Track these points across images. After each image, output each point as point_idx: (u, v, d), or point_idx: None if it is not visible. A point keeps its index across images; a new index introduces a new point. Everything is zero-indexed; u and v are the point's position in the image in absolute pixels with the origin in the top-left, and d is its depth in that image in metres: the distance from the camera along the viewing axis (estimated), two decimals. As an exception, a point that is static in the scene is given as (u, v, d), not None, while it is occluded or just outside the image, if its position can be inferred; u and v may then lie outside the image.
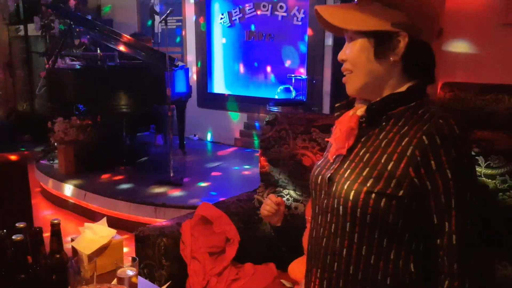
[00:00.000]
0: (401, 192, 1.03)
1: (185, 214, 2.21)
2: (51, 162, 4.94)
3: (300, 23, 5.43)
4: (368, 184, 1.06)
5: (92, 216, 4.07)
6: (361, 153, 1.11)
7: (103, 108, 4.73)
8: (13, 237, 1.24)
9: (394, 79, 1.11)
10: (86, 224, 1.58)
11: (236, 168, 4.88)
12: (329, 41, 5.04)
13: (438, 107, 1.07)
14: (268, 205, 1.63)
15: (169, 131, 4.45)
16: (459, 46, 4.29)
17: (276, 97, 5.74)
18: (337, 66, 5.03)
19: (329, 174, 1.16)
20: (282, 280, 1.87)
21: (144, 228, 2.04)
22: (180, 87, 5.09)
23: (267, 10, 5.68)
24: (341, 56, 1.16)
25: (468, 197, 1.03)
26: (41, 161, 5.08)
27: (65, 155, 4.59)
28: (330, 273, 1.15)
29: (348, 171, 1.11)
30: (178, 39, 6.42)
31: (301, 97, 5.52)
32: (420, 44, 1.09)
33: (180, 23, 6.34)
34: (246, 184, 4.32)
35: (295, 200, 2.16)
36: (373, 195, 1.05)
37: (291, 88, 5.60)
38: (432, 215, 1.04)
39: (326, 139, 1.22)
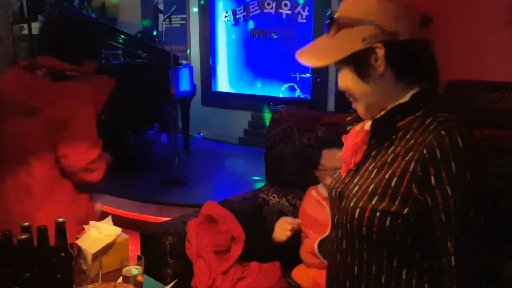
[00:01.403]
0: (406, 210, 0.97)
1: (190, 213, 2.20)
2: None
3: (304, 20, 5.42)
4: (373, 202, 1.01)
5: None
6: (370, 168, 1.06)
7: (107, 106, 4.72)
8: (18, 235, 1.23)
9: (393, 91, 1.04)
10: (91, 222, 1.58)
11: (241, 166, 4.87)
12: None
13: (447, 115, 0.98)
14: (287, 230, 1.75)
15: (174, 130, 4.45)
16: (464, 44, 4.27)
17: (281, 95, 5.73)
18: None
19: (340, 189, 1.13)
20: (288, 279, 1.86)
21: (149, 227, 2.03)
22: (185, 86, 5.09)
23: (272, 8, 5.67)
24: (339, 87, 1.12)
25: (472, 216, 0.94)
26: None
27: (69, 154, 4.59)
28: None
29: (357, 187, 1.07)
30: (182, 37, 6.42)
31: (305, 96, 5.50)
32: (402, 46, 1.00)
33: (184, 22, 6.34)
34: (250, 183, 4.32)
35: (300, 198, 2.14)
36: (378, 213, 0.99)
37: (296, 86, 5.59)
38: (435, 233, 0.97)
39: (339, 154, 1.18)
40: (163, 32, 5.77)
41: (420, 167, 0.95)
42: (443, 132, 0.94)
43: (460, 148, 0.92)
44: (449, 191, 0.93)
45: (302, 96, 5.52)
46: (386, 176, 1.00)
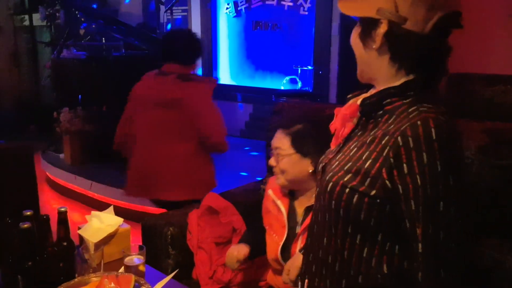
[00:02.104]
0: (373, 192, 1.00)
1: (192, 204, 2.20)
2: (57, 152, 4.95)
3: (306, 13, 5.39)
4: (345, 179, 1.04)
5: (98, 206, 4.08)
6: (351, 146, 1.09)
7: (109, 98, 4.72)
8: (20, 224, 1.23)
9: (386, 71, 1.06)
10: (93, 212, 1.58)
11: (242, 158, 4.87)
12: (335, 31, 5.00)
13: (431, 106, 0.99)
14: (236, 261, 1.69)
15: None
16: (466, 37, 4.25)
17: (282, 88, 5.71)
18: (343, 56, 5.00)
19: (324, 164, 1.17)
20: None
21: (151, 218, 2.04)
22: (186, 78, 5.07)
23: (273, 0, 5.64)
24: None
25: (442, 207, 0.95)
26: (47, 151, 5.09)
27: (71, 145, 4.60)
28: (315, 259, 1.16)
29: (337, 162, 1.10)
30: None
31: (307, 88, 5.49)
32: (404, 34, 1.00)
33: (185, 13, 6.31)
34: (251, 175, 4.32)
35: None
36: (347, 189, 1.03)
37: (297, 79, 5.58)
38: (404, 219, 1.00)
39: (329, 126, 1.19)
40: (164, 23, 5.75)
41: (392, 154, 0.97)
42: (418, 122, 0.95)
43: (433, 139, 0.93)
44: (418, 180, 0.95)
45: (303, 88, 5.51)
46: (363, 157, 1.03)
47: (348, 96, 1.20)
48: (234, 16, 6.05)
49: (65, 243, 1.34)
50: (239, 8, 5.96)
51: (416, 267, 1.00)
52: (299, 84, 5.56)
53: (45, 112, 5.96)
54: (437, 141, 0.93)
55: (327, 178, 1.08)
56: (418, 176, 0.95)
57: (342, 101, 1.24)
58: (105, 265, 1.43)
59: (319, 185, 1.16)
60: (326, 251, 1.12)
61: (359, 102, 1.11)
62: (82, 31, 5.72)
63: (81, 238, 1.51)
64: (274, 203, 1.74)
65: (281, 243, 1.66)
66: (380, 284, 1.05)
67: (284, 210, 1.68)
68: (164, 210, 2.25)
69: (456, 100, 4.12)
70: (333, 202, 1.06)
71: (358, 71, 1.13)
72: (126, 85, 4.54)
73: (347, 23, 4.58)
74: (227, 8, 6.06)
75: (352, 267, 1.07)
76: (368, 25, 1.04)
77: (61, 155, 4.81)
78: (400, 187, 0.97)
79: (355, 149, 1.07)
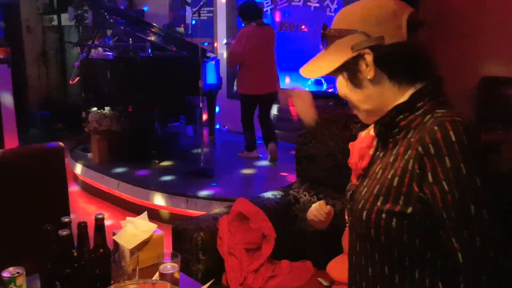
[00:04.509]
0: (410, 209, 0.98)
1: (220, 208, 2.21)
2: (85, 151, 5.02)
3: (333, 14, 5.35)
4: (378, 203, 1.02)
5: (124, 205, 4.13)
6: (377, 170, 1.08)
7: (136, 99, 4.77)
8: (60, 231, 1.25)
9: (389, 93, 1.06)
10: (128, 218, 1.59)
11: (266, 160, 4.85)
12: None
13: (445, 111, 0.98)
14: (317, 211, 1.61)
15: (200, 123, 4.46)
16: (499, 40, 4.15)
17: (307, 89, 5.68)
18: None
19: (351, 191, 1.16)
20: (319, 279, 1.85)
21: (181, 222, 2.05)
22: (211, 79, 5.09)
23: (300, 1, 5.61)
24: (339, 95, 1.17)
25: (473, 211, 0.93)
26: (75, 150, 5.18)
27: (98, 145, 4.66)
28: None
29: (365, 189, 1.08)
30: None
31: (332, 90, 5.45)
32: (390, 49, 1.02)
33: (211, 14, 6.33)
34: (277, 177, 4.31)
35: (332, 197, 2.13)
36: (384, 214, 1.00)
37: (323, 80, 5.54)
38: (441, 231, 0.98)
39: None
40: (190, 24, 5.77)
41: (417, 165, 0.96)
42: (435, 128, 0.94)
43: (453, 141, 0.92)
44: (445, 186, 0.93)
45: (329, 90, 5.46)
46: (389, 176, 1.02)
47: (358, 125, 1.22)
48: (260, 17, 6.03)
49: (101, 250, 1.36)
50: (265, 9, 5.94)
51: (461, 280, 0.97)
52: (324, 86, 5.52)
53: (72, 111, 6.07)
54: (457, 143, 0.92)
55: (360, 206, 1.06)
56: (444, 182, 0.93)
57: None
58: (139, 271, 1.44)
59: (351, 214, 1.14)
60: (373, 281, 1.08)
61: (371, 132, 1.12)
62: (109, 32, 5.79)
63: (116, 244, 1.52)
64: None
65: None
66: None
67: None
68: (195, 214, 2.26)
69: (488, 103, 4.04)
70: (372, 230, 1.03)
71: (363, 117, 1.12)
72: (152, 85, 4.61)
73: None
74: (252, 9, 6.05)
75: None
76: (351, 66, 1.05)
77: (89, 154, 4.88)
78: (429, 196, 0.96)
79: (381, 171, 1.06)
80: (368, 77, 1.04)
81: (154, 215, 3.68)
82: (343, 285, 1.71)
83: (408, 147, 0.99)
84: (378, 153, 1.11)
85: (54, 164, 2.34)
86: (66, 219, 1.31)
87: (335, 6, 5.30)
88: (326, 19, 5.48)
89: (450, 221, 0.94)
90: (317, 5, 5.47)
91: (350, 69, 1.06)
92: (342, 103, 5.07)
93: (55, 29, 7.60)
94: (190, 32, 5.77)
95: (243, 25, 4.66)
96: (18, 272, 1.23)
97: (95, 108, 4.69)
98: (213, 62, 5.09)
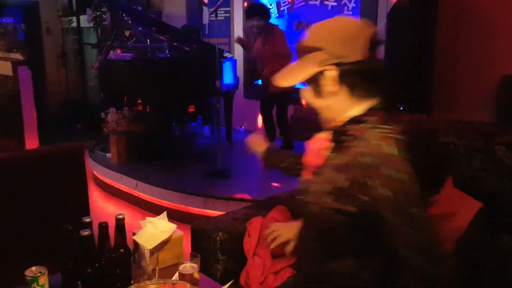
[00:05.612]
0: (354, 209, 1.15)
1: (239, 209, 2.20)
2: (103, 151, 5.07)
3: (351, 13, 5.31)
4: (329, 200, 1.18)
5: (143, 205, 4.15)
6: (328, 169, 1.23)
7: (154, 99, 4.80)
8: (81, 231, 1.26)
9: (346, 106, 1.22)
10: (148, 218, 1.60)
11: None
12: (381, 31, 4.90)
13: (388, 127, 1.16)
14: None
15: (217, 122, 4.47)
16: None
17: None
18: (388, 57, 4.84)
19: (303, 186, 1.33)
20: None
21: (200, 222, 2.05)
22: (228, 79, 5.10)
23: (317, 0, 5.58)
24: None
25: (407, 210, 1.11)
26: (94, 151, 5.23)
27: (117, 145, 4.70)
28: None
29: (318, 186, 1.24)
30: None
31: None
32: (352, 67, 1.17)
33: (228, 14, 6.34)
34: (295, 178, 4.29)
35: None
36: (331, 211, 1.17)
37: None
38: (382, 229, 1.14)
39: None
40: (207, 25, 5.78)
41: (361, 172, 1.13)
42: (372, 142, 1.14)
43: (386, 154, 1.12)
44: (383, 191, 1.10)
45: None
46: (339, 178, 1.18)
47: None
48: (277, 17, 6.01)
49: (122, 250, 1.36)
50: (281, 9, 5.92)
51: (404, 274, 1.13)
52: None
53: (91, 112, 6.14)
54: (389, 156, 1.11)
55: (312, 200, 1.23)
56: (381, 187, 1.10)
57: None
58: (159, 271, 1.44)
59: (303, 205, 1.29)
60: (313, 255, 1.31)
61: (324, 136, 1.33)
62: (127, 33, 5.85)
63: (136, 244, 1.53)
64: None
65: None
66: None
67: None
68: (213, 214, 2.25)
69: (509, 102, 3.96)
70: (320, 222, 1.22)
71: (323, 120, 1.29)
72: (170, 86, 4.63)
73: (393, 23, 4.48)
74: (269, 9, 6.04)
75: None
76: (315, 79, 1.21)
77: (108, 154, 4.93)
78: (368, 198, 1.12)
79: (332, 172, 1.21)
80: (331, 91, 1.20)
81: (172, 215, 3.69)
82: None
83: (355, 155, 1.16)
84: (331, 154, 1.27)
85: (74, 164, 2.37)
86: (87, 219, 1.32)
87: (352, 4, 5.26)
88: (343, 18, 5.45)
89: (389, 220, 1.11)
90: (335, 3, 5.43)
91: (315, 81, 1.21)
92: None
93: (74, 31, 7.70)
94: (207, 32, 5.78)
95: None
96: (40, 272, 1.24)
97: (113, 109, 4.74)
98: (230, 62, 5.10)
